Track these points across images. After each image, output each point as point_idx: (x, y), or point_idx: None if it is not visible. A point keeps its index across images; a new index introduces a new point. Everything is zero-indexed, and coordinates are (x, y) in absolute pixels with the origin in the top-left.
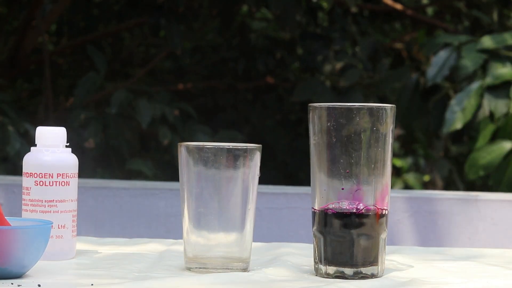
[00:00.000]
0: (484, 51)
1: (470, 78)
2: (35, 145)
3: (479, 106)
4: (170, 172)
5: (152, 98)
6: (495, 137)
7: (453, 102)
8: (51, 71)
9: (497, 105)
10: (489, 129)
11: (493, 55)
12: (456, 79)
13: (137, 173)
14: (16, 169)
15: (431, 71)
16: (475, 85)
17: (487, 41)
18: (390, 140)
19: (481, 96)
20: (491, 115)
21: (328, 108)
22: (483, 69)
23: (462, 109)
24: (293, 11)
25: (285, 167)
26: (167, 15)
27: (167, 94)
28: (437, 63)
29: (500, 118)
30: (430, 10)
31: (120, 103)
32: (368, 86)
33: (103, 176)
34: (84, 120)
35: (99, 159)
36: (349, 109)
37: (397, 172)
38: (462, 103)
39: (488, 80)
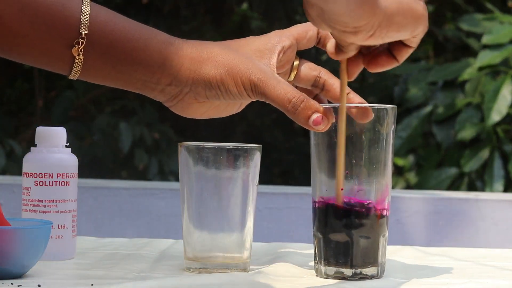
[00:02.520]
0: (434, 83)
1: (420, 104)
2: (35, 145)
3: (425, 133)
4: None
5: (134, 118)
6: (441, 164)
7: (399, 127)
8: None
9: (444, 135)
10: (435, 157)
11: (445, 84)
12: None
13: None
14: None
15: (397, 90)
16: (424, 112)
17: (437, 73)
18: (390, 140)
19: (428, 124)
20: (438, 144)
21: (331, 108)
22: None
23: (407, 135)
24: (277, 7)
25: (281, 164)
26: (154, 15)
27: (152, 112)
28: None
29: (447, 147)
30: (429, 8)
31: (102, 129)
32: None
33: None
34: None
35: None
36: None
37: (399, 171)
38: (408, 129)
39: (438, 112)
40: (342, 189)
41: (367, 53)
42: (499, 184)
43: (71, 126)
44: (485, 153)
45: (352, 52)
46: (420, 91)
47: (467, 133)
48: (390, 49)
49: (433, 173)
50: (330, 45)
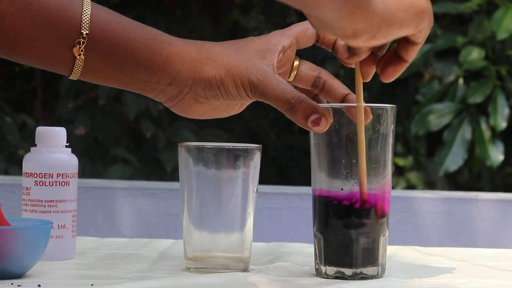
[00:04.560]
0: (435, 16)
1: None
2: (35, 145)
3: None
4: (153, 166)
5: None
6: (442, 100)
7: None
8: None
9: (445, 71)
10: (437, 92)
11: (446, 23)
12: None
13: (120, 160)
14: (12, 160)
15: None
16: (426, 47)
17: (437, 7)
18: (390, 140)
19: (428, 58)
20: (439, 79)
21: (329, 108)
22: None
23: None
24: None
25: (277, 163)
26: (153, 9)
27: None
28: None
29: (447, 83)
30: None
31: (107, 94)
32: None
33: (85, 167)
34: (72, 108)
35: (83, 150)
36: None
37: (399, 171)
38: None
39: (440, 43)
40: (366, 194)
41: (378, 52)
42: (502, 119)
43: (78, 103)
44: (489, 87)
45: (364, 54)
46: None
47: (473, 64)
48: (397, 50)
49: (432, 108)
50: (343, 50)
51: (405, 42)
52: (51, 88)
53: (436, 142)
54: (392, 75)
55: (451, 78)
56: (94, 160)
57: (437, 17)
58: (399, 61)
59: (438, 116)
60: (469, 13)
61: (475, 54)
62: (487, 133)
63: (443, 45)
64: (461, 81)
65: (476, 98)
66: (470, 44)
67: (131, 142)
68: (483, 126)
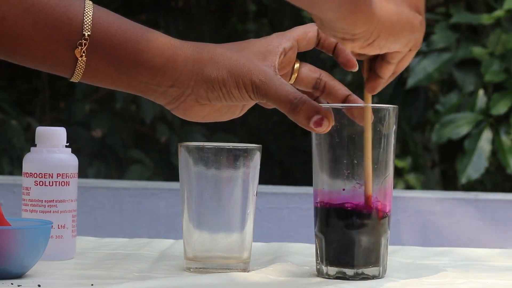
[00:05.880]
0: (456, 26)
1: (443, 49)
2: (35, 145)
3: (445, 75)
4: (166, 170)
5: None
6: (459, 110)
7: (425, 62)
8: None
9: (466, 81)
10: (455, 102)
11: (466, 34)
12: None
13: (134, 162)
14: (18, 163)
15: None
16: (446, 56)
17: (459, 17)
18: (392, 140)
19: (449, 68)
20: (459, 89)
21: (331, 108)
22: (456, 45)
23: (431, 70)
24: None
25: (281, 166)
26: (165, 11)
27: None
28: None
29: (467, 94)
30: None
31: (124, 98)
32: (355, 83)
33: (99, 169)
34: (88, 111)
35: (96, 152)
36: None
37: (398, 173)
38: (431, 66)
39: (460, 53)
40: (370, 195)
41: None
42: None
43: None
44: (510, 99)
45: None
46: (443, 38)
47: (494, 77)
48: (373, 66)
49: (452, 118)
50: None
51: (380, 59)
52: (55, 89)
53: (450, 152)
54: (370, 91)
55: (470, 88)
56: (108, 162)
57: (456, 27)
58: (376, 77)
59: (458, 125)
60: (484, 25)
61: (496, 67)
62: (507, 143)
63: (462, 55)
64: (481, 92)
65: (499, 109)
66: (490, 56)
67: (145, 145)
68: (503, 136)
